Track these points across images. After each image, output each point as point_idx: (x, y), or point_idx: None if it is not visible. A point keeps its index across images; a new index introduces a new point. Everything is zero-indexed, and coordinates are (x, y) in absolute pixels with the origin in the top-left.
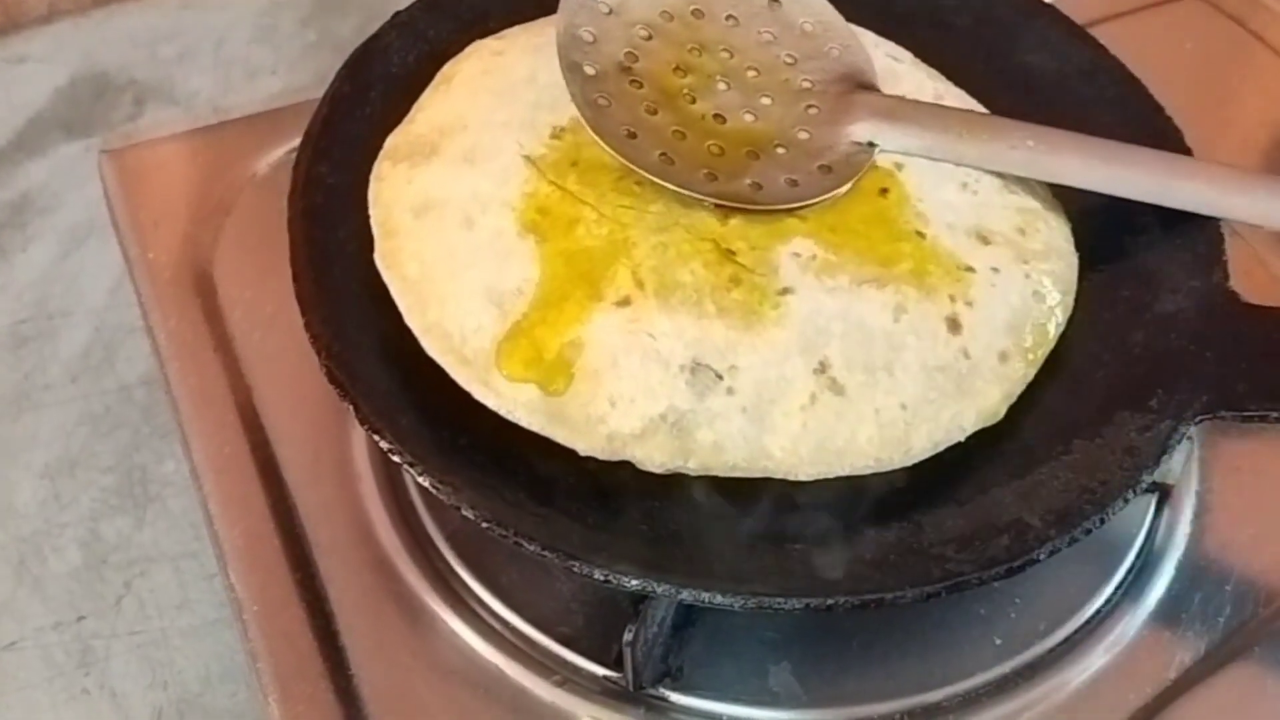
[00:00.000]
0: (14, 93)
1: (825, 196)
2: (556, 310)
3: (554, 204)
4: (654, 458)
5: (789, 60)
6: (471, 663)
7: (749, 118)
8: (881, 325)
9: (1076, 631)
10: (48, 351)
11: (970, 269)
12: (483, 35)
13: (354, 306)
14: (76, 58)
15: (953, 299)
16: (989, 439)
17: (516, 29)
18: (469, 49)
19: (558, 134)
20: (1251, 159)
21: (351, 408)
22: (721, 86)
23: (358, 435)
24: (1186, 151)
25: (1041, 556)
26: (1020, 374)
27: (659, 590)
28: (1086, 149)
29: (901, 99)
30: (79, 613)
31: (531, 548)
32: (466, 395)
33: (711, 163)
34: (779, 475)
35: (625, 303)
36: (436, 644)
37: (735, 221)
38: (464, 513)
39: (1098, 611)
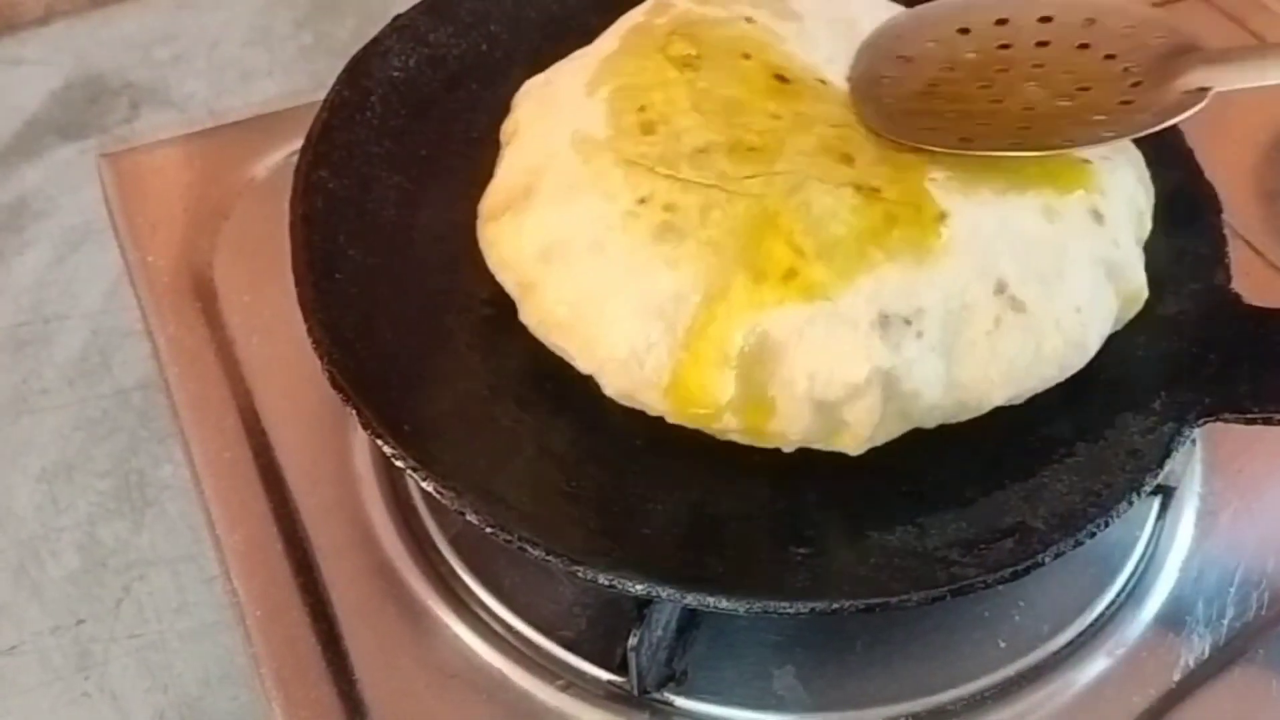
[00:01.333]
0: (9, 96)
1: (1148, 130)
2: (724, 303)
3: (678, 197)
4: (864, 426)
5: (1108, 56)
6: (474, 667)
7: (1064, 103)
8: (1040, 232)
9: (1081, 634)
10: (44, 356)
11: (1087, 160)
12: (483, 39)
13: (356, 311)
14: (71, 60)
15: (1088, 191)
16: (992, 441)
17: (554, 67)
18: (516, 99)
19: (648, 127)
20: (1251, 159)
21: (354, 413)
22: (1031, 85)
23: (359, 439)
24: (1189, 153)
25: (1046, 560)
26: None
27: (663, 595)
28: None
29: (1232, 46)
30: (78, 616)
31: (535, 552)
32: (467, 398)
33: (1018, 135)
34: (971, 407)
35: (792, 275)
36: (439, 648)
37: (865, 160)
38: (467, 517)
39: (1102, 614)
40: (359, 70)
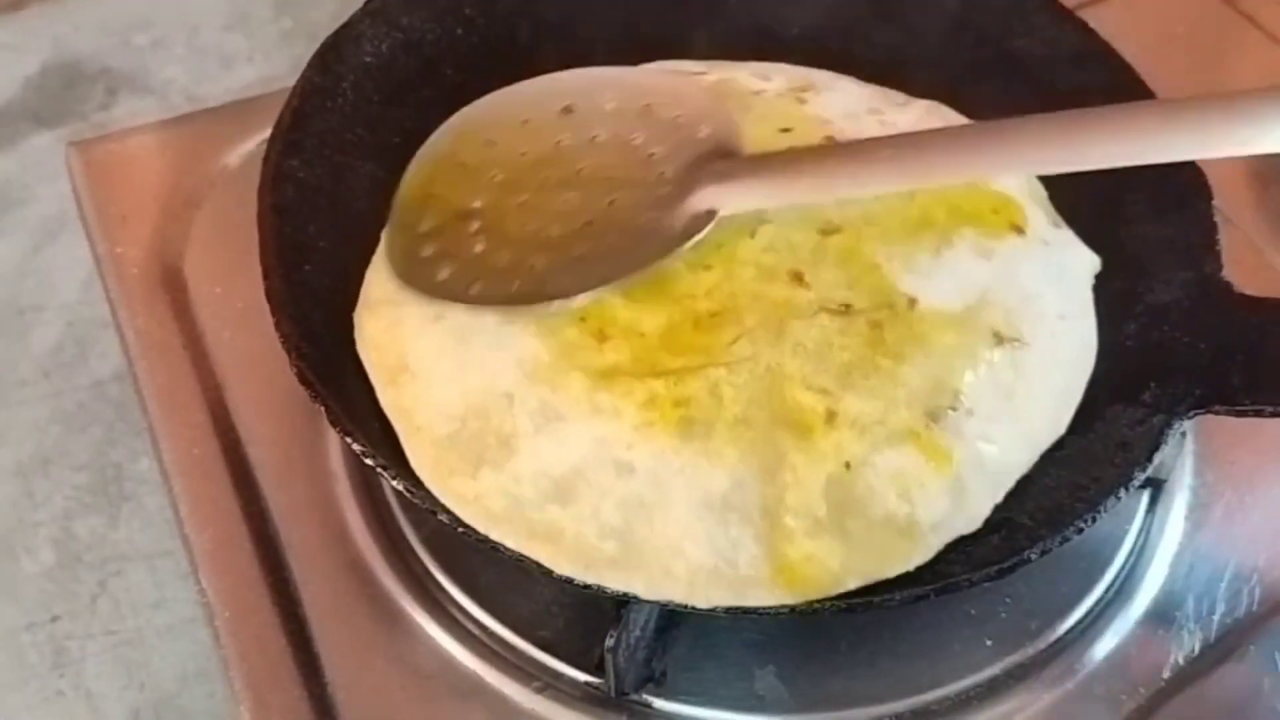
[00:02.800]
0: None
1: (648, 268)
2: (787, 471)
3: (681, 390)
4: (980, 505)
5: (650, 154)
6: (449, 669)
7: (585, 223)
8: (989, 271)
9: (1069, 631)
10: (19, 347)
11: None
12: (458, 23)
13: (326, 305)
14: (47, 46)
15: (995, 210)
16: None
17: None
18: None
19: (600, 334)
20: None
21: (323, 409)
22: (566, 199)
23: (332, 436)
24: None
25: (1032, 557)
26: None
27: (641, 595)
28: (953, 142)
29: (749, 157)
30: (53, 613)
31: (508, 553)
32: None
33: (527, 275)
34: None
35: (832, 416)
36: (413, 650)
37: (812, 270)
38: (439, 517)
39: (1090, 610)
40: (330, 56)
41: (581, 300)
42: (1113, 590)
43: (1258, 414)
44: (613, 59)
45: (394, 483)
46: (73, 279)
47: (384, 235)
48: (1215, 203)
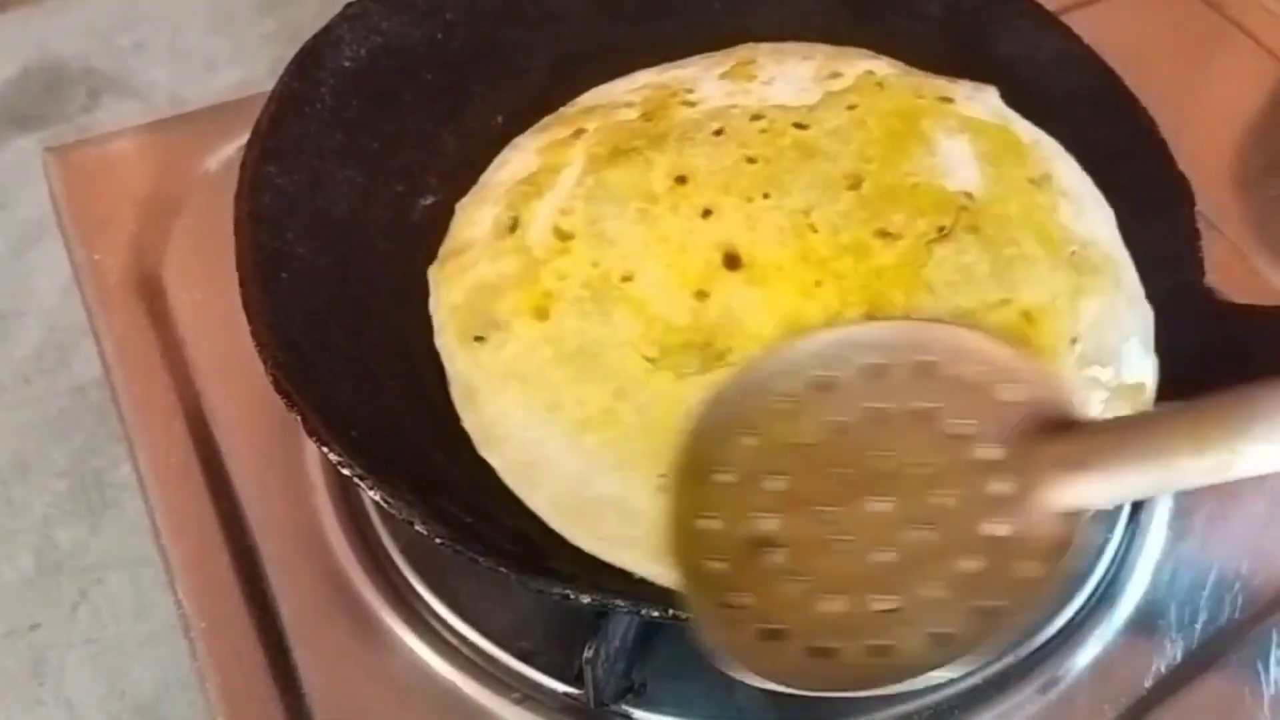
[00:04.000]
0: None
1: (1033, 610)
2: None
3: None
4: None
5: (963, 431)
6: (428, 680)
7: (922, 535)
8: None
9: (1050, 640)
10: None
11: None
12: (439, 27)
13: (303, 312)
14: (29, 48)
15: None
16: None
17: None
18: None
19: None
20: (1227, 147)
21: (299, 419)
22: (879, 506)
23: (310, 445)
24: (1162, 144)
25: None
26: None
27: (617, 607)
28: None
29: (1103, 426)
30: (32, 621)
31: (486, 563)
32: (420, 404)
33: (880, 629)
34: None
35: None
36: (391, 661)
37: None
38: (416, 527)
39: (1072, 618)
40: (309, 60)
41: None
42: (1094, 598)
43: None
44: (596, 62)
45: (371, 492)
46: (54, 284)
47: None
48: (1198, 208)
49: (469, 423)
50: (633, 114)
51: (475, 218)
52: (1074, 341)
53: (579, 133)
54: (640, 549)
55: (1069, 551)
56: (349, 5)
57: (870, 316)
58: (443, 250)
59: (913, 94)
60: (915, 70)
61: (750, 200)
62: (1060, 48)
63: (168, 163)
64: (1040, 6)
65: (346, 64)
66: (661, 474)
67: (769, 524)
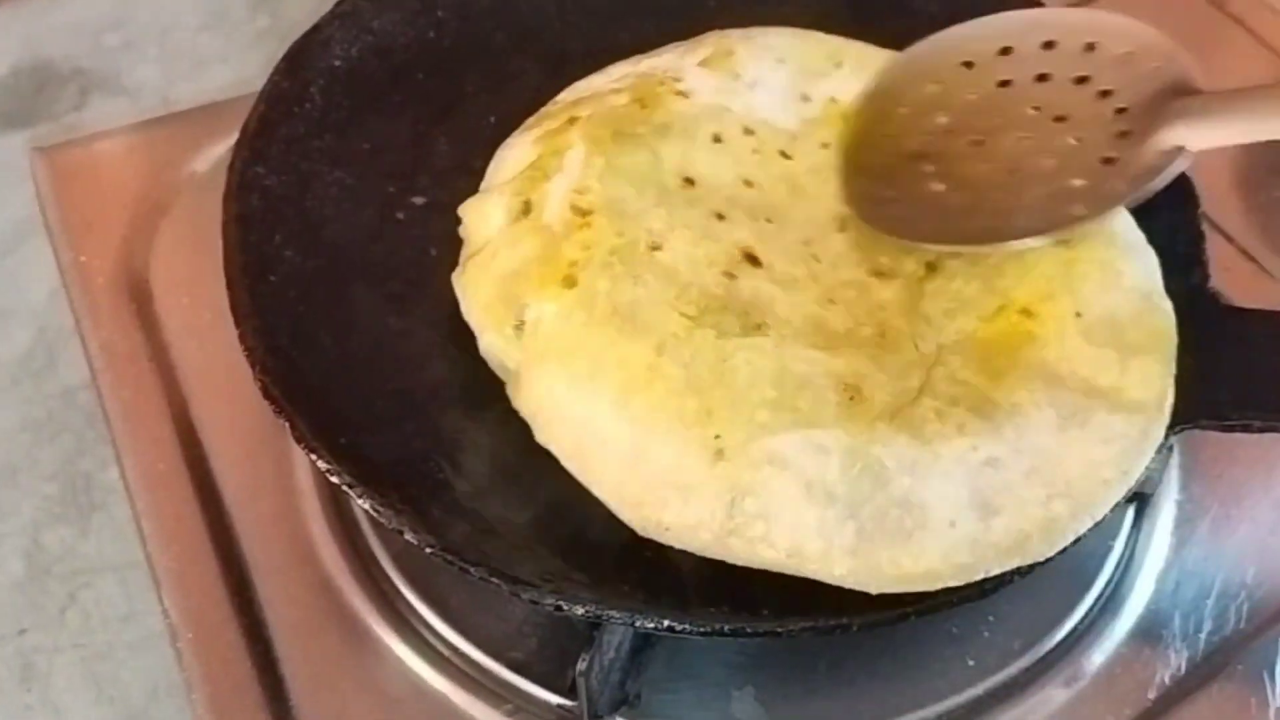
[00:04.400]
0: None
1: (1121, 204)
2: None
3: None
4: None
5: (1104, 91)
6: (418, 691)
7: (1047, 161)
8: None
9: (1053, 650)
10: None
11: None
12: (430, 26)
13: (291, 316)
14: (18, 46)
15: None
16: None
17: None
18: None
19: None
20: (1230, 149)
21: (287, 425)
22: (1021, 137)
23: (299, 451)
24: None
25: (1013, 578)
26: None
27: (611, 618)
28: None
29: (1214, 93)
30: (20, 626)
31: (477, 573)
32: (410, 410)
33: (990, 218)
34: None
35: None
36: (381, 671)
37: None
38: (406, 537)
39: (1075, 629)
40: (298, 60)
41: (1055, 236)
42: (1097, 607)
43: (1245, 429)
44: (588, 60)
45: (360, 501)
46: (43, 285)
47: (839, 178)
48: (1203, 210)
49: (525, 413)
50: (624, 99)
51: (484, 213)
52: (1078, 315)
53: (573, 120)
54: (708, 531)
55: (1154, 177)
56: (339, 3)
57: (880, 336)
58: (462, 256)
59: None
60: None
61: (755, 220)
62: None
63: (156, 163)
64: (1042, 5)
65: (337, 63)
66: (716, 434)
67: (928, 143)
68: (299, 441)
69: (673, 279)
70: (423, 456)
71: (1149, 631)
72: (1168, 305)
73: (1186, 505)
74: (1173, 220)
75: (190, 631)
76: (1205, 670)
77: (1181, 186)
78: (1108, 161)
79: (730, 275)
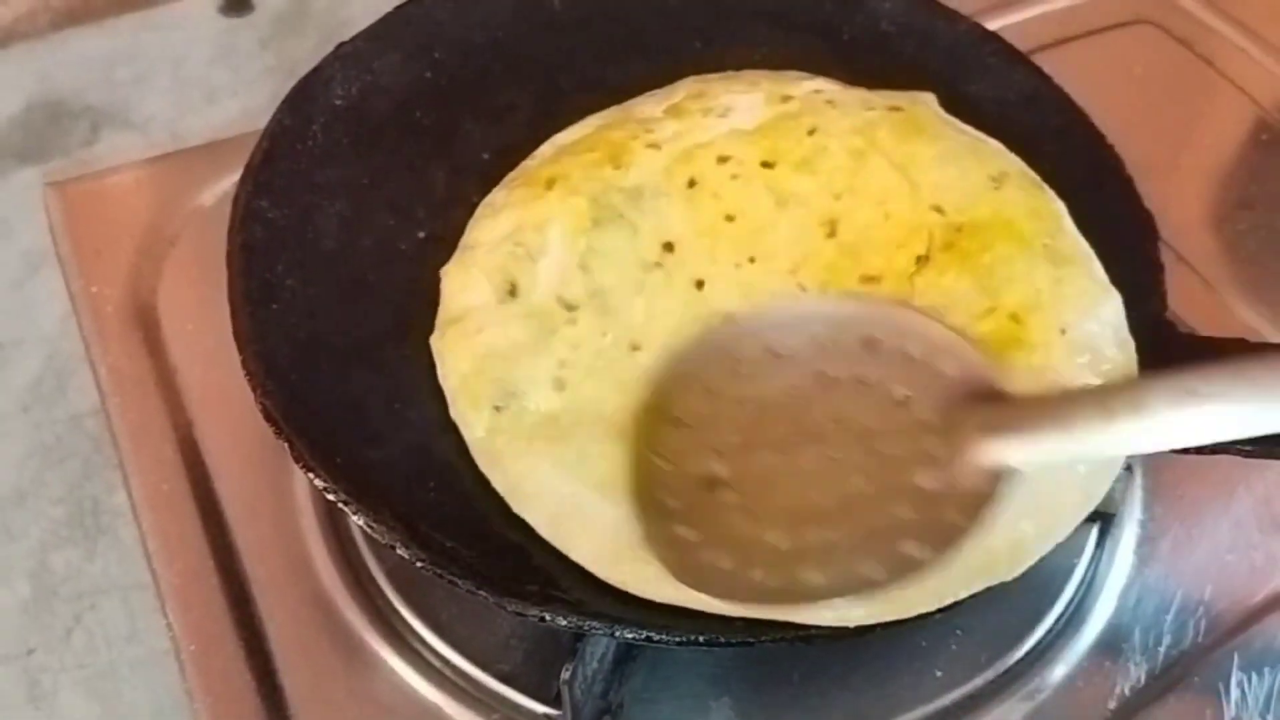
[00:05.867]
0: None
1: (953, 548)
2: None
3: None
4: None
5: (902, 396)
6: (411, 700)
7: (864, 486)
8: None
9: (1018, 662)
10: None
11: None
12: (427, 66)
13: (292, 342)
14: (32, 82)
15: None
16: None
17: None
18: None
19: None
20: (1199, 184)
21: (286, 445)
22: (824, 455)
23: (298, 472)
24: (1129, 181)
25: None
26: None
27: (594, 629)
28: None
29: (1027, 400)
30: (28, 646)
31: (465, 586)
32: (405, 431)
33: (818, 561)
34: None
35: None
36: (375, 682)
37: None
38: (398, 551)
39: (1039, 642)
40: (301, 98)
41: (898, 586)
42: (1062, 622)
43: (1198, 451)
44: (577, 96)
45: (355, 517)
46: (52, 313)
47: (635, 522)
48: (1170, 243)
49: (497, 483)
50: (598, 156)
51: (466, 283)
52: (1063, 332)
53: (550, 183)
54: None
55: (989, 504)
56: (341, 45)
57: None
58: (440, 319)
59: (863, 107)
60: (852, 87)
61: (739, 266)
62: (1030, 86)
63: (163, 197)
64: (1011, 46)
65: (338, 102)
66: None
67: (720, 466)
68: (298, 461)
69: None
70: (415, 476)
71: (1110, 645)
72: (1132, 342)
73: (1148, 525)
74: (1135, 253)
75: (193, 644)
76: (1163, 682)
77: (1143, 222)
78: (928, 485)
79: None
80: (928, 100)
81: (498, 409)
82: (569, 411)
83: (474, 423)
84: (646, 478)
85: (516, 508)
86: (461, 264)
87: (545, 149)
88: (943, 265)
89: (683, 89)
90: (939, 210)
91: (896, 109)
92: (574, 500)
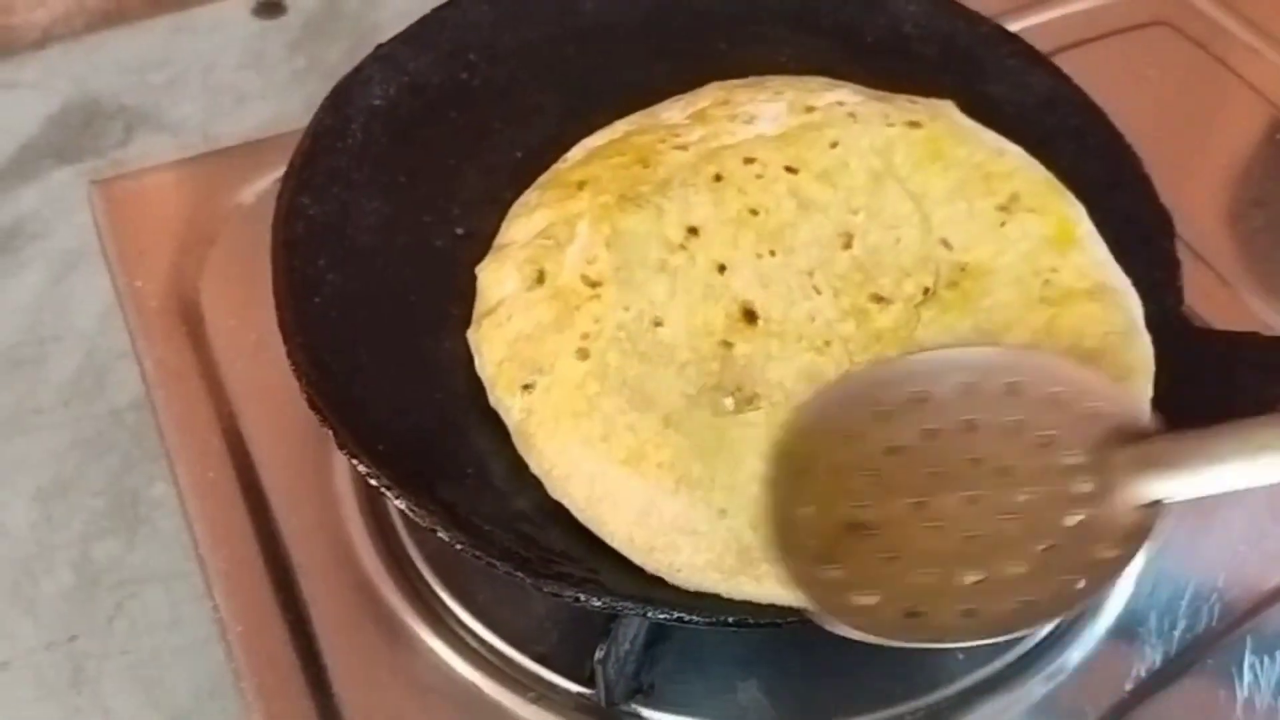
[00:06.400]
0: (6, 120)
1: (1108, 582)
2: None
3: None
4: None
5: (1049, 437)
6: (449, 680)
7: (1010, 526)
8: None
9: (1036, 645)
10: (39, 376)
11: None
12: (462, 68)
13: (334, 334)
14: (68, 85)
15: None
16: None
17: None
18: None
19: None
20: (1215, 182)
21: (330, 433)
22: (968, 498)
23: (339, 459)
24: (1147, 180)
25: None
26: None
27: (627, 609)
28: None
29: (1177, 436)
30: (71, 633)
31: (503, 568)
32: (442, 418)
33: (968, 596)
34: None
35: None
36: (415, 662)
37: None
38: (439, 535)
39: (1058, 625)
40: (340, 98)
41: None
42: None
43: None
44: (605, 98)
45: (397, 502)
46: (91, 310)
47: (777, 565)
48: (1187, 240)
49: (534, 467)
50: (627, 160)
51: (499, 277)
52: None
53: (582, 185)
54: (718, 571)
55: (1144, 536)
56: (379, 47)
57: None
58: (475, 313)
59: (883, 122)
60: (875, 92)
61: (760, 257)
62: (1049, 86)
63: (204, 195)
64: (1031, 47)
65: (376, 102)
66: (722, 508)
67: (863, 512)
68: (341, 448)
69: (672, 358)
70: (454, 462)
71: (1127, 629)
72: (1146, 339)
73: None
74: (1151, 248)
75: (240, 626)
76: (1178, 665)
77: (1159, 217)
78: (1081, 524)
79: (727, 344)
80: (948, 110)
81: (527, 388)
82: (593, 378)
83: (510, 407)
84: (789, 530)
85: (553, 492)
86: (496, 260)
87: (575, 152)
88: (947, 303)
89: (708, 95)
90: (946, 245)
91: (916, 125)
92: (604, 480)
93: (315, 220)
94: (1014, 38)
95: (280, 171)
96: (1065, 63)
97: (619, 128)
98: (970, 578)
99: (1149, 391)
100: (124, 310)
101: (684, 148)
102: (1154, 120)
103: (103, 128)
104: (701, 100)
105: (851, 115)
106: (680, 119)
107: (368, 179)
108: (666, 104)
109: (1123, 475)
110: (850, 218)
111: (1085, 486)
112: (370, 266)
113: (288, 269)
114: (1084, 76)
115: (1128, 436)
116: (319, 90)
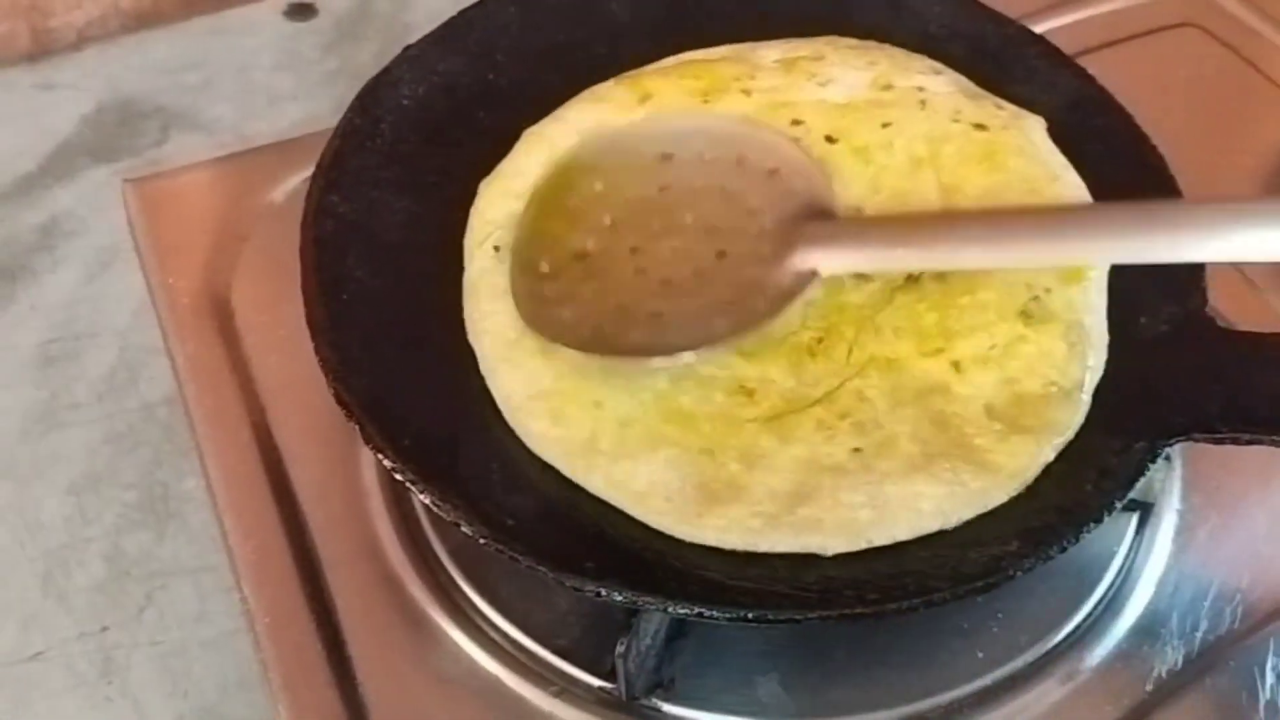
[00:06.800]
0: (43, 119)
1: (764, 325)
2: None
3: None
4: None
5: (753, 206)
6: (472, 673)
7: (699, 275)
8: None
9: (1057, 645)
10: (74, 371)
11: None
12: (490, 69)
13: (362, 331)
14: (103, 85)
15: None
16: None
17: None
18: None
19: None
20: (1246, 187)
21: (357, 428)
22: (675, 246)
23: (366, 455)
24: (1172, 182)
25: (1014, 574)
26: None
27: (647, 604)
28: (1044, 223)
29: (848, 219)
30: (102, 624)
31: (525, 562)
32: (467, 415)
33: (648, 326)
34: None
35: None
36: (439, 655)
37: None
38: (462, 529)
39: (1078, 626)
40: (370, 99)
41: (699, 354)
42: (1101, 607)
43: (1234, 441)
44: None
45: (423, 497)
46: (124, 307)
47: (509, 278)
48: None
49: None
50: (701, 85)
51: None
52: (996, 391)
53: (645, 98)
54: (677, 516)
55: (792, 298)
56: (408, 47)
57: (817, 342)
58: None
59: (949, 117)
60: (972, 88)
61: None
62: (1075, 88)
63: (236, 194)
64: (1057, 49)
65: (405, 102)
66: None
67: (590, 243)
68: (368, 443)
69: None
70: (478, 458)
71: (1148, 630)
72: (1086, 399)
73: (1187, 514)
74: None
75: (267, 617)
76: (1200, 666)
77: None
78: (753, 278)
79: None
80: (1031, 126)
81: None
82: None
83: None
84: (534, 243)
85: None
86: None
87: (670, 60)
88: (926, 292)
89: (807, 46)
90: None
91: (982, 128)
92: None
93: (344, 218)
94: (1040, 39)
95: (310, 170)
96: (1092, 64)
97: (720, 51)
98: (651, 309)
99: (1049, 455)
100: (157, 307)
101: (748, 93)
102: (1181, 122)
103: (138, 127)
104: (801, 49)
105: (922, 103)
106: (769, 61)
107: (396, 178)
108: (774, 43)
109: (791, 245)
110: (870, 196)
111: (765, 250)
112: (398, 264)
113: (317, 267)
114: (1111, 78)
115: (810, 214)
116: (350, 91)
